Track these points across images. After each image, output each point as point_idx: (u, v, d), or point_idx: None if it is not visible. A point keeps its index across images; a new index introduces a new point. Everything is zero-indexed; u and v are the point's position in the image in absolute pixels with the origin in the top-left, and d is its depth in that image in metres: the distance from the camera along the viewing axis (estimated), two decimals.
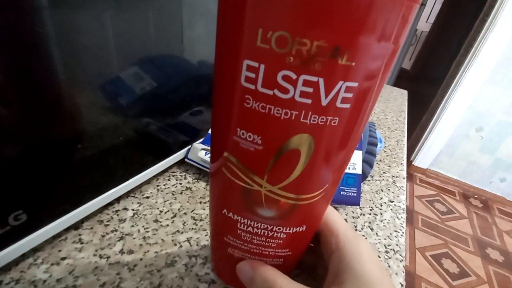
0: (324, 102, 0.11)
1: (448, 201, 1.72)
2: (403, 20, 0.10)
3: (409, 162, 1.93)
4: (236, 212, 0.16)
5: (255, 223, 0.16)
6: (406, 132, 0.59)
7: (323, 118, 0.12)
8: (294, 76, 0.11)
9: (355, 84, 0.11)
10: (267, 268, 0.17)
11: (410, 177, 1.89)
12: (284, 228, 0.16)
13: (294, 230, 0.16)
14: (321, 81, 0.11)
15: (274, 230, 0.16)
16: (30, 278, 0.20)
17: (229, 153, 0.14)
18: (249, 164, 0.14)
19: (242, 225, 0.16)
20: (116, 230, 0.24)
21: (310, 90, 0.11)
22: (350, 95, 0.11)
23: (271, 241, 0.17)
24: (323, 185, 0.15)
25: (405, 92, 0.89)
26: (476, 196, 1.80)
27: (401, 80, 3.32)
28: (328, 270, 0.18)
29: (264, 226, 0.16)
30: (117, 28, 0.22)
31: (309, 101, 0.11)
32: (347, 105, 0.12)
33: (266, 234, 0.16)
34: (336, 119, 0.12)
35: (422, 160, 1.87)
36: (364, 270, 0.16)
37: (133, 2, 0.22)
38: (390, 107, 0.72)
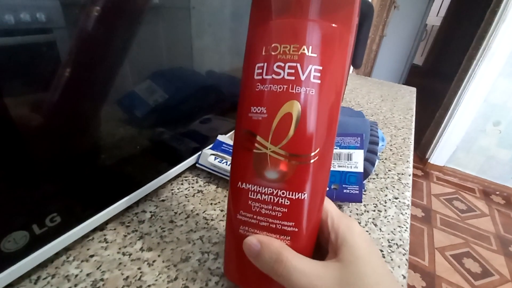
0: (303, 78, 0.17)
1: (468, 199, 1.67)
2: (345, 28, 0.18)
3: (425, 160, 1.88)
4: (248, 181, 0.19)
5: (263, 188, 0.18)
6: (413, 130, 0.59)
7: (304, 89, 0.17)
8: (282, 65, 0.18)
9: (320, 67, 0.17)
10: (274, 240, 0.18)
11: (426, 175, 1.84)
12: (287, 192, 0.18)
13: (296, 196, 0.18)
14: (298, 65, 0.17)
15: (279, 195, 0.18)
16: (64, 273, 0.23)
17: (246, 128, 0.19)
18: (258, 131, 0.18)
19: (253, 193, 0.18)
20: (136, 231, 0.27)
21: (293, 71, 0.17)
22: (318, 74, 0.17)
23: (277, 209, 0.18)
24: (316, 146, 0.18)
25: (414, 89, 0.89)
26: (497, 193, 1.74)
27: (413, 76, 3.27)
28: (328, 249, 0.19)
29: (270, 191, 0.18)
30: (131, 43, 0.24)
31: (293, 78, 0.17)
32: (318, 81, 0.18)
33: (272, 200, 0.18)
34: (312, 90, 0.17)
35: (438, 157, 1.83)
36: (356, 242, 0.18)
37: (144, 19, 0.25)
38: (398, 105, 0.73)
